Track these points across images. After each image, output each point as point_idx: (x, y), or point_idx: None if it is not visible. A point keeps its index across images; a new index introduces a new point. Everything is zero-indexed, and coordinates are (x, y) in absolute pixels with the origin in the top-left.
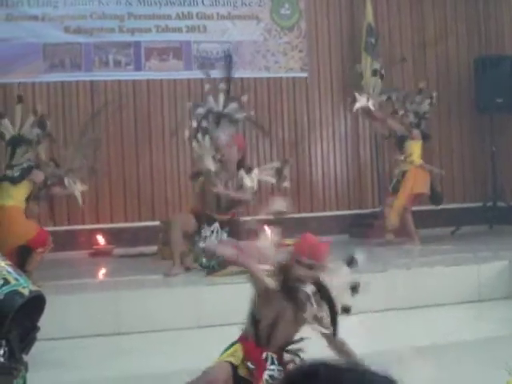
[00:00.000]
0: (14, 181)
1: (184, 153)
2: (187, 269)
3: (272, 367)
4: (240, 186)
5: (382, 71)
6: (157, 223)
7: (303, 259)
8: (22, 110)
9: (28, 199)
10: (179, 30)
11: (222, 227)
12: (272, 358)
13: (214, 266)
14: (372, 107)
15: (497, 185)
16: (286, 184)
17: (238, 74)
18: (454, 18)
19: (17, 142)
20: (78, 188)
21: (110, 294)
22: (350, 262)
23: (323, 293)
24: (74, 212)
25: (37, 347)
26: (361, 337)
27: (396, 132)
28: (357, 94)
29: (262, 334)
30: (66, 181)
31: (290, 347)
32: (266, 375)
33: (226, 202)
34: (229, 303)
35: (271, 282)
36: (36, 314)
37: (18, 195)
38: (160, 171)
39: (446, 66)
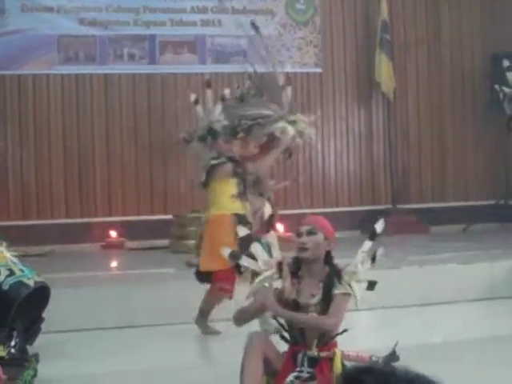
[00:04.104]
0: (204, 187)
1: None
2: (189, 265)
3: (302, 368)
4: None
5: None
6: (169, 217)
7: (298, 229)
8: (212, 95)
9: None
10: (194, 23)
11: None
12: (303, 359)
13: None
14: None
15: (509, 183)
16: (301, 179)
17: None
18: (470, 14)
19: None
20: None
21: (122, 287)
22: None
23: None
24: (87, 205)
25: (48, 339)
26: (373, 333)
27: None
28: None
29: (296, 334)
30: (278, 129)
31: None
32: (291, 377)
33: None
34: (241, 297)
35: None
36: (41, 305)
37: (216, 200)
38: (173, 165)
39: (461, 63)
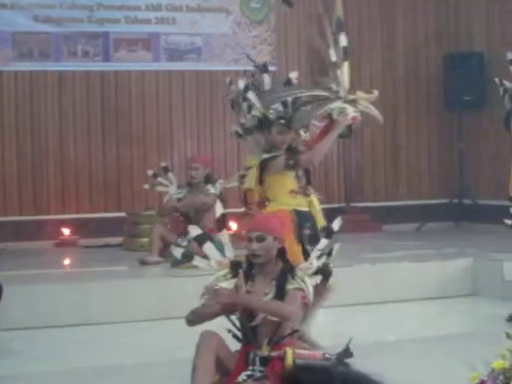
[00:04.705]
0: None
1: (151, 145)
2: (142, 262)
3: (254, 367)
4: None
5: None
6: (122, 214)
7: (248, 235)
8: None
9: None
10: (148, 21)
11: None
12: (255, 359)
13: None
14: None
15: (463, 182)
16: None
17: (206, 66)
18: (424, 13)
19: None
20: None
21: (76, 285)
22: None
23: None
24: (40, 202)
25: (1, 336)
26: (325, 331)
27: None
28: None
29: (248, 333)
30: (335, 110)
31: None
32: (243, 376)
33: (194, 215)
34: (194, 295)
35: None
36: None
37: (275, 197)
38: (126, 162)
39: (415, 62)
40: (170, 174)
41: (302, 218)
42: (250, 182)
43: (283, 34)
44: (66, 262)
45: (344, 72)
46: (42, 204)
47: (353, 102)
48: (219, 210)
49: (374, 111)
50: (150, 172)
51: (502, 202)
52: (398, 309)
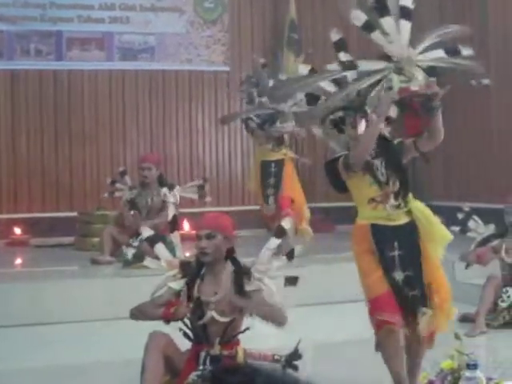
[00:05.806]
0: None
1: (104, 144)
2: (94, 261)
3: (204, 367)
4: (163, 202)
5: None
6: (74, 214)
7: (197, 233)
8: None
9: None
10: (102, 20)
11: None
12: (206, 358)
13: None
14: None
15: (416, 183)
16: (208, 199)
17: (160, 66)
18: None
19: None
20: None
21: (28, 285)
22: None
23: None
24: None
25: None
26: (277, 332)
27: None
28: None
29: (198, 332)
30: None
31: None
32: (193, 375)
33: (145, 215)
34: (146, 295)
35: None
36: None
37: (357, 207)
38: (79, 161)
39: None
40: (125, 178)
41: (383, 236)
42: (251, 182)
43: (236, 33)
44: (18, 261)
45: (401, 28)
46: None
47: (400, 70)
48: (171, 212)
49: (419, 77)
50: (108, 180)
51: (453, 203)
52: (349, 309)
